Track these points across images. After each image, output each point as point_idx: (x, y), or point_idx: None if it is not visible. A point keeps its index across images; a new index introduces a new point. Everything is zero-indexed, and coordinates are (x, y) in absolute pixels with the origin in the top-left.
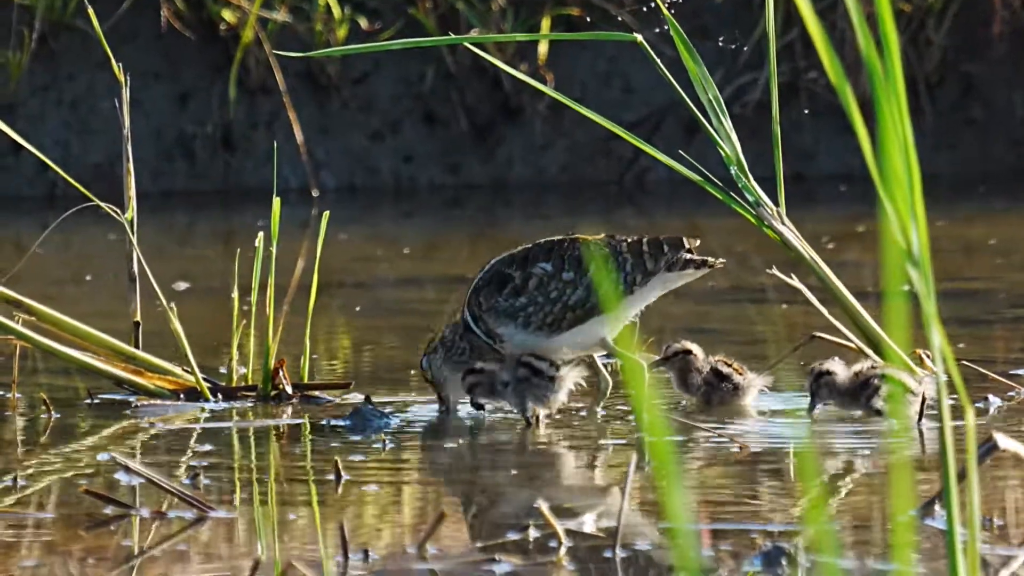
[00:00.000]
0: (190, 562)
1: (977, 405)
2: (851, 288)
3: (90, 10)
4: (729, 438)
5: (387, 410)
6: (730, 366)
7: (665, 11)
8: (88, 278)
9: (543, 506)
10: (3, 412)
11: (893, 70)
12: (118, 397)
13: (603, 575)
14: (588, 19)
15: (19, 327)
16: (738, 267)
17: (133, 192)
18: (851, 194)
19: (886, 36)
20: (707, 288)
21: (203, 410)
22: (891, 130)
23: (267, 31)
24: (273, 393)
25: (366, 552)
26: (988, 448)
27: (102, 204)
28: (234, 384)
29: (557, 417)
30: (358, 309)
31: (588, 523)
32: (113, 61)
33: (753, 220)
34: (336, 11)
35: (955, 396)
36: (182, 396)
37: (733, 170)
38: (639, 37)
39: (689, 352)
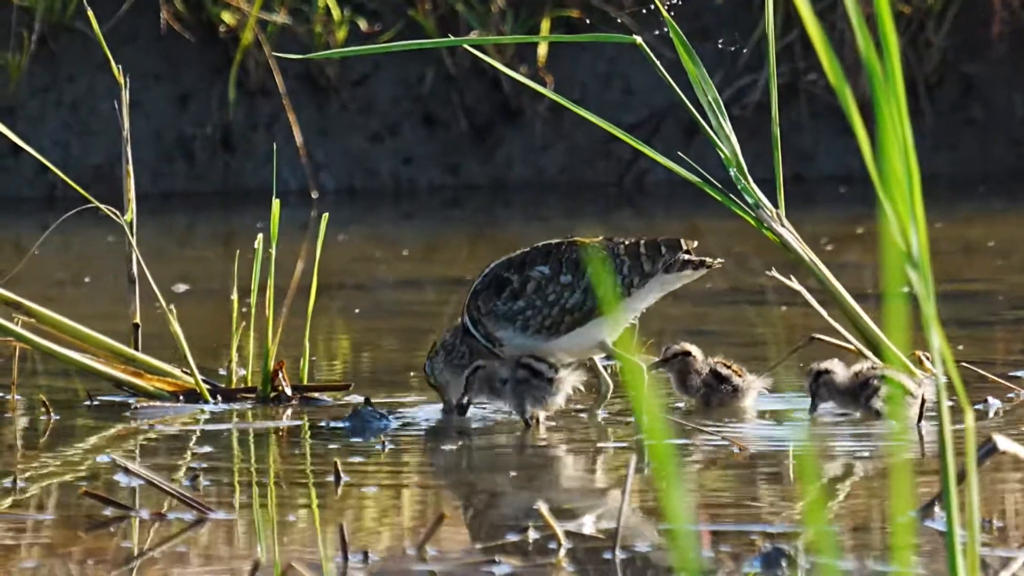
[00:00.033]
0: (190, 564)
1: (977, 407)
2: (850, 290)
3: (90, 12)
4: (728, 440)
5: (386, 412)
6: (729, 368)
7: (664, 13)
8: (87, 280)
9: (543, 507)
10: (3, 414)
11: (893, 71)
12: (117, 399)
13: None
14: (587, 21)
15: (19, 329)
16: (737, 269)
17: (133, 194)
18: (851, 195)
19: (885, 37)
20: (706, 290)
21: (202, 412)
22: (891, 131)
23: (267, 33)
24: (272, 395)
25: (366, 553)
26: (988, 450)
27: (101, 206)
28: (233, 386)
29: (557, 419)
30: (357, 311)
31: (588, 524)
32: (113, 63)
33: (752, 222)
34: (335, 13)
35: (955, 398)
36: (181, 398)
37: (732, 172)
38: (639, 39)
39: (688, 354)
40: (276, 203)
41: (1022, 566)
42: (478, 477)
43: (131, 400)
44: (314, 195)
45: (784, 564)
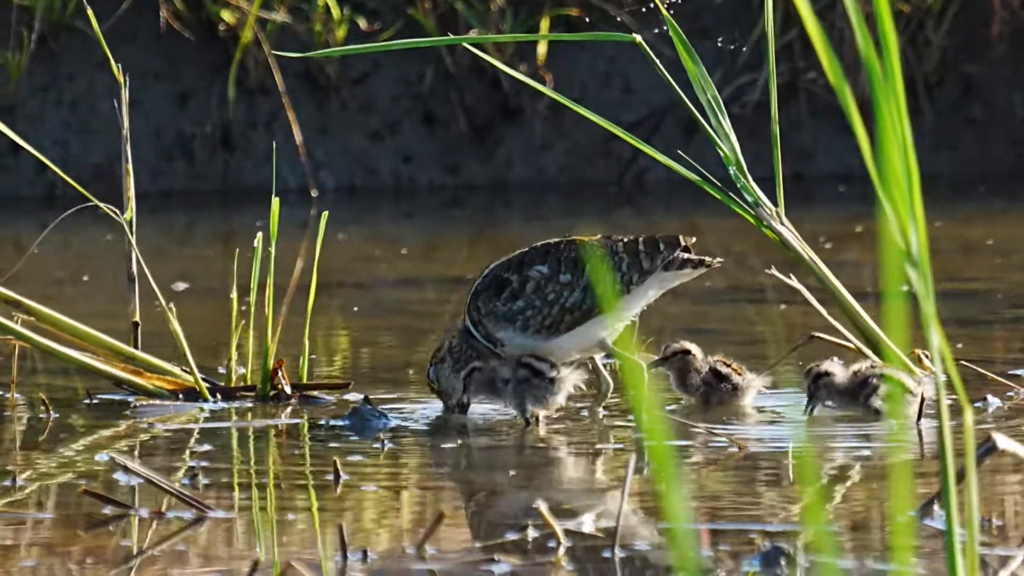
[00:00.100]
0: (189, 562)
1: (976, 405)
2: (850, 288)
3: (89, 11)
4: (728, 438)
5: (386, 410)
6: (729, 366)
7: (664, 11)
8: (87, 278)
9: (542, 506)
10: (2, 412)
11: (892, 70)
12: (117, 397)
13: (602, 575)
14: (587, 19)
15: (18, 327)
16: (737, 267)
17: (132, 192)
18: (850, 194)
19: (885, 36)
20: (706, 288)
21: (202, 410)
22: (890, 130)
23: (266, 31)
24: (272, 393)
25: (365, 552)
26: (987, 448)
27: (101, 204)
28: (233, 384)
29: (556, 418)
30: (356, 309)
31: (587, 523)
32: (112, 61)
33: (752, 220)
34: (335, 11)
35: (954, 396)
36: (181, 396)
37: (732, 170)
38: (638, 37)
39: (688, 352)
40: (276, 202)
41: (1021, 564)
42: (477, 476)
43: (130, 398)
44: (314, 194)
45: (783, 563)
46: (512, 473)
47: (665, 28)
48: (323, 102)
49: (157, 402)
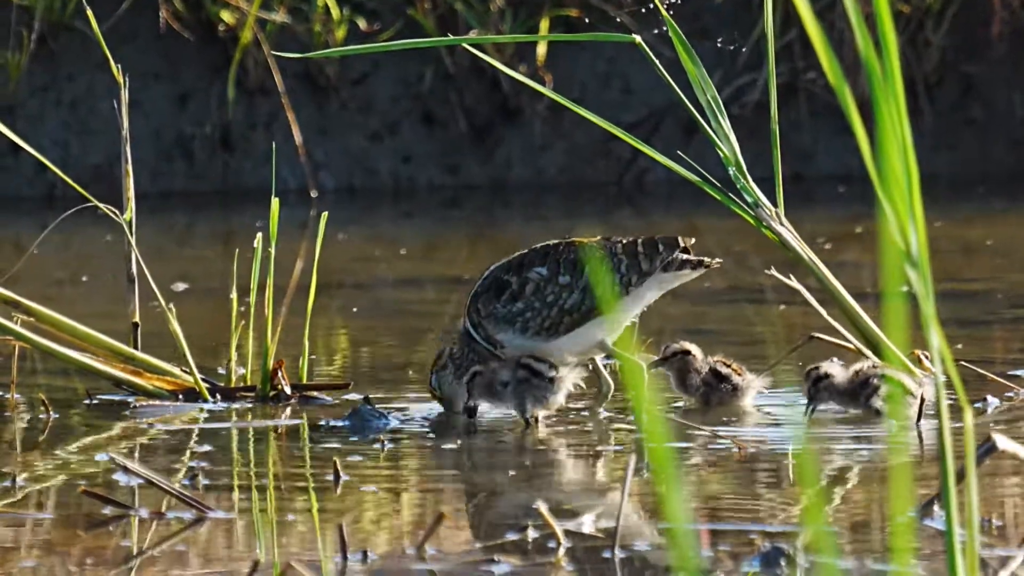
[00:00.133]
0: (189, 563)
1: (976, 406)
2: (850, 289)
3: (89, 11)
4: (728, 439)
5: (386, 410)
6: (729, 367)
7: (664, 12)
8: (87, 279)
9: (542, 507)
10: (2, 412)
11: (892, 71)
12: (117, 398)
13: (601, 575)
14: (587, 20)
15: (18, 328)
16: (736, 267)
17: (132, 193)
18: (850, 195)
19: (885, 36)
20: (705, 289)
21: (202, 411)
22: (890, 131)
23: (266, 32)
24: (272, 394)
25: (365, 553)
26: (987, 449)
27: (101, 205)
28: (233, 385)
29: (556, 418)
30: (356, 310)
31: (587, 524)
32: (112, 62)
33: (752, 221)
34: (335, 12)
35: (954, 397)
36: (181, 397)
37: (732, 171)
38: (638, 38)
39: (688, 353)
40: (275, 202)
41: (1021, 565)
42: (478, 476)
43: (130, 399)
44: (313, 194)
45: (783, 563)
46: (512, 473)
47: (665, 28)
48: (323, 103)
49: (157, 402)
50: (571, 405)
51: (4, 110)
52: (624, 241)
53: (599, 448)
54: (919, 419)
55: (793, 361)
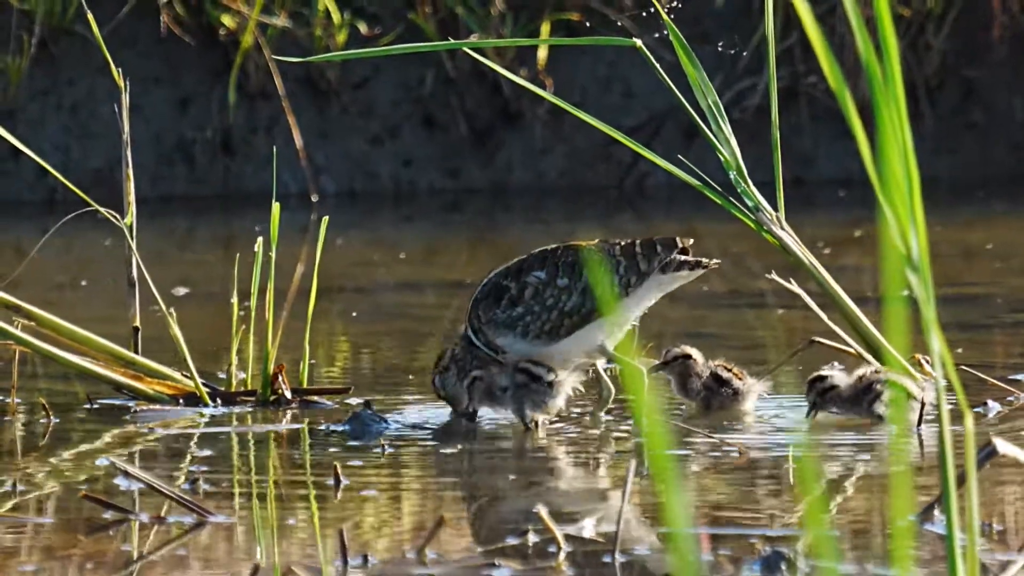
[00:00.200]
0: (189, 567)
1: (976, 410)
2: (850, 293)
3: (90, 15)
4: (729, 443)
5: (386, 415)
6: (730, 371)
7: (665, 16)
8: (87, 283)
9: (542, 511)
10: (3, 417)
11: (892, 74)
12: (117, 402)
13: None
14: (588, 24)
15: (18, 332)
16: (737, 271)
17: (132, 197)
18: (850, 199)
19: (885, 40)
20: (706, 293)
21: (202, 415)
22: (890, 135)
23: (267, 36)
24: (272, 398)
25: (365, 557)
26: (987, 453)
27: (101, 209)
28: (233, 389)
29: (557, 423)
30: (356, 314)
31: (587, 528)
32: (113, 66)
33: (752, 225)
34: (335, 16)
35: (954, 401)
36: (181, 401)
37: (732, 175)
38: (639, 42)
39: (689, 357)
40: (276, 206)
41: (1021, 569)
42: (478, 480)
43: (131, 403)
44: (314, 198)
45: (784, 568)
46: (512, 478)
47: (665, 32)
48: (323, 106)
49: (157, 407)
50: (571, 409)
51: (5, 114)
52: (622, 243)
53: (599, 452)
54: (920, 423)
55: (794, 365)
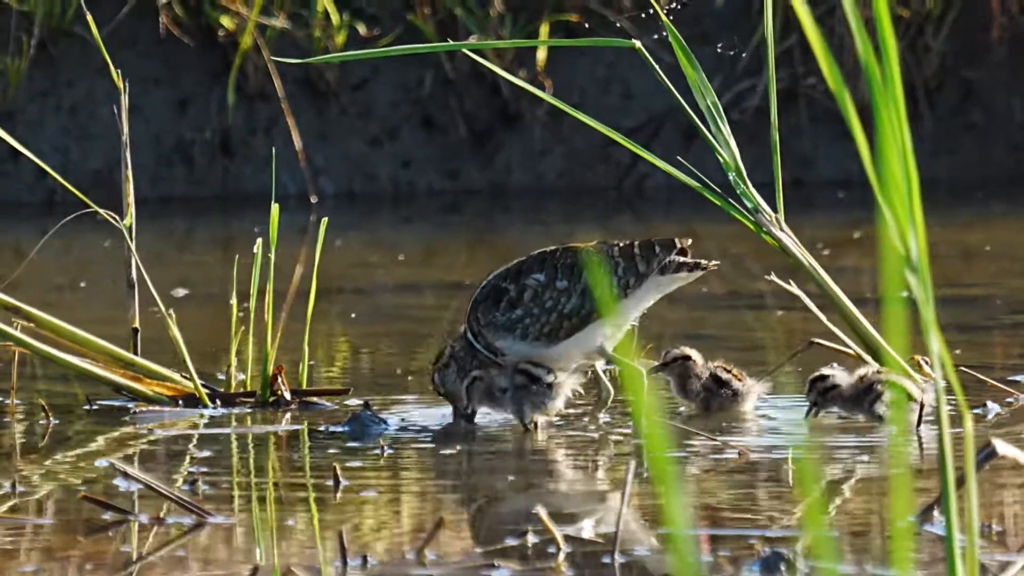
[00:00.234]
0: (189, 568)
1: (976, 411)
2: (849, 294)
3: (89, 16)
4: (728, 444)
5: (385, 416)
6: (729, 372)
7: (664, 17)
8: (86, 284)
9: (542, 512)
10: (2, 418)
11: (892, 76)
12: (117, 403)
13: None
14: (587, 25)
15: (18, 333)
16: (736, 273)
17: (132, 198)
18: (850, 200)
19: (885, 42)
20: (705, 294)
21: (202, 416)
22: (890, 136)
23: (266, 37)
24: (271, 399)
25: (365, 558)
26: (987, 454)
27: (101, 210)
28: (233, 390)
29: (556, 424)
30: (355, 315)
31: (587, 529)
32: (112, 67)
33: (751, 226)
34: (334, 17)
35: (954, 402)
36: (181, 402)
37: (731, 176)
38: (638, 43)
39: (688, 358)
40: (275, 207)
41: (1021, 570)
42: (477, 481)
43: (130, 404)
44: (313, 199)
45: (783, 568)
46: (512, 479)
47: (665, 34)
48: (322, 108)
49: (157, 408)
50: (571, 411)
51: (4, 116)
52: (620, 244)
53: (599, 454)
54: (919, 424)
55: (793, 367)
